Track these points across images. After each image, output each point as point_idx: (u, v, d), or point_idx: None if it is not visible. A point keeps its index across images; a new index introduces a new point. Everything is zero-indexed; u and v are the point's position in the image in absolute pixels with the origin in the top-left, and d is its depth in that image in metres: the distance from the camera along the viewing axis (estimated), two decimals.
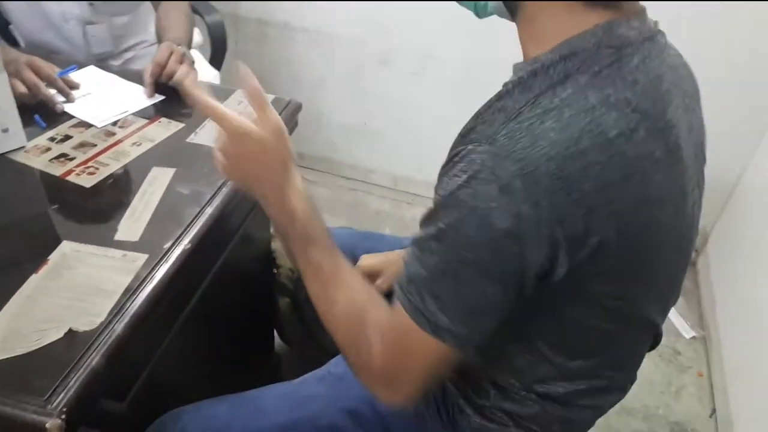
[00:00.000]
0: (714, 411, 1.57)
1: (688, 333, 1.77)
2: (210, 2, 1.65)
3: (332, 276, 0.74)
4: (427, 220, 0.64)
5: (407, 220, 2.10)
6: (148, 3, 1.45)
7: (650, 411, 1.56)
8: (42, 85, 1.07)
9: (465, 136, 0.63)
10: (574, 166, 0.58)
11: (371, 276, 1.04)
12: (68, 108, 1.08)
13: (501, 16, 0.71)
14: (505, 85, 0.66)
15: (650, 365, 1.66)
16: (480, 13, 0.75)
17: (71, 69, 1.18)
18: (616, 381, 0.81)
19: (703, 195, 0.79)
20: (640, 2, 0.65)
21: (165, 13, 1.34)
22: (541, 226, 0.59)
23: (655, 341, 0.85)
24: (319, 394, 0.90)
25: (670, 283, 0.76)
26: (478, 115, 0.65)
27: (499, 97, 0.65)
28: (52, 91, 1.08)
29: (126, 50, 1.45)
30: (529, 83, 0.62)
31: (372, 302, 0.72)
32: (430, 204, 0.65)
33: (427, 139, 2.00)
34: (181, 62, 1.16)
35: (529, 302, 0.66)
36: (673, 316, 1.80)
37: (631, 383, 0.86)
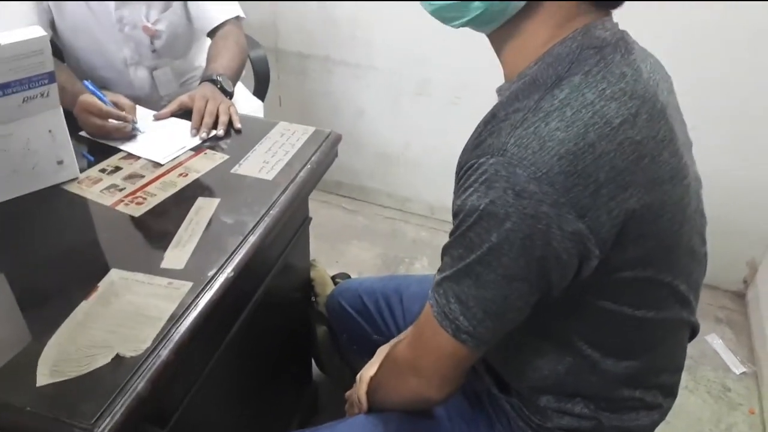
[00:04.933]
0: None
1: (738, 368, 1.70)
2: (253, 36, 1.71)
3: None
4: (452, 231, 0.68)
5: None
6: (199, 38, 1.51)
7: None
8: (103, 124, 1.11)
9: (474, 149, 0.66)
10: (585, 160, 0.60)
11: None
12: (129, 148, 1.11)
13: (476, 28, 0.71)
14: (501, 98, 0.69)
15: (698, 401, 1.60)
16: (452, 16, 0.69)
17: (95, 89, 1.17)
18: (663, 386, 0.82)
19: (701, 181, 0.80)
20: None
21: (215, 42, 1.38)
22: (563, 224, 0.60)
23: (692, 333, 0.85)
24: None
25: (692, 256, 0.76)
26: (483, 128, 0.68)
27: (498, 109, 0.68)
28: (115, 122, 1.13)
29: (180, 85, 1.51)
30: (525, 92, 0.65)
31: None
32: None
33: None
34: (216, 111, 1.17)
35: (561, 302, 0.68)
36: (722, 350, 1.74)
37: (674, 396, 0.85)
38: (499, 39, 0.71)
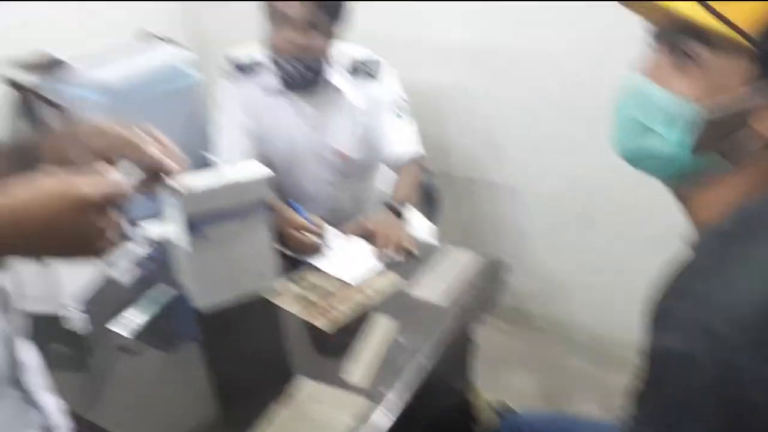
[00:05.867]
0: None
1: None
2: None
3: None
4: (643, 375, 0.66)
5: (612, 387, 1.91)
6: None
7: None
8: (302, 238, 1.28)
9: (668, 295, 0.66)
10: None
11: None
12: (319, 264, 1.25)
13: (664, 179, 0.73)
14: (692, 250, 0.70)
15: None
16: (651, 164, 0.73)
17: (299, 209, 1.36)
18: None
19: None
20: None
21: (399, 174, 1.55)
22: (760, 373, 0.58)
23: None
24: None
25: None
26: (677, 276, 0.68)
27: (691, 260, 0.68)
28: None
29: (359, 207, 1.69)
30: (718, 245, 0.66)
31: None
32: (640, 369, 0.67)
33: (631, 297, 1.91)
34: (395, 237, 1.29)
35: None
36: None
37: None
38: (685, 189, 0.73)
